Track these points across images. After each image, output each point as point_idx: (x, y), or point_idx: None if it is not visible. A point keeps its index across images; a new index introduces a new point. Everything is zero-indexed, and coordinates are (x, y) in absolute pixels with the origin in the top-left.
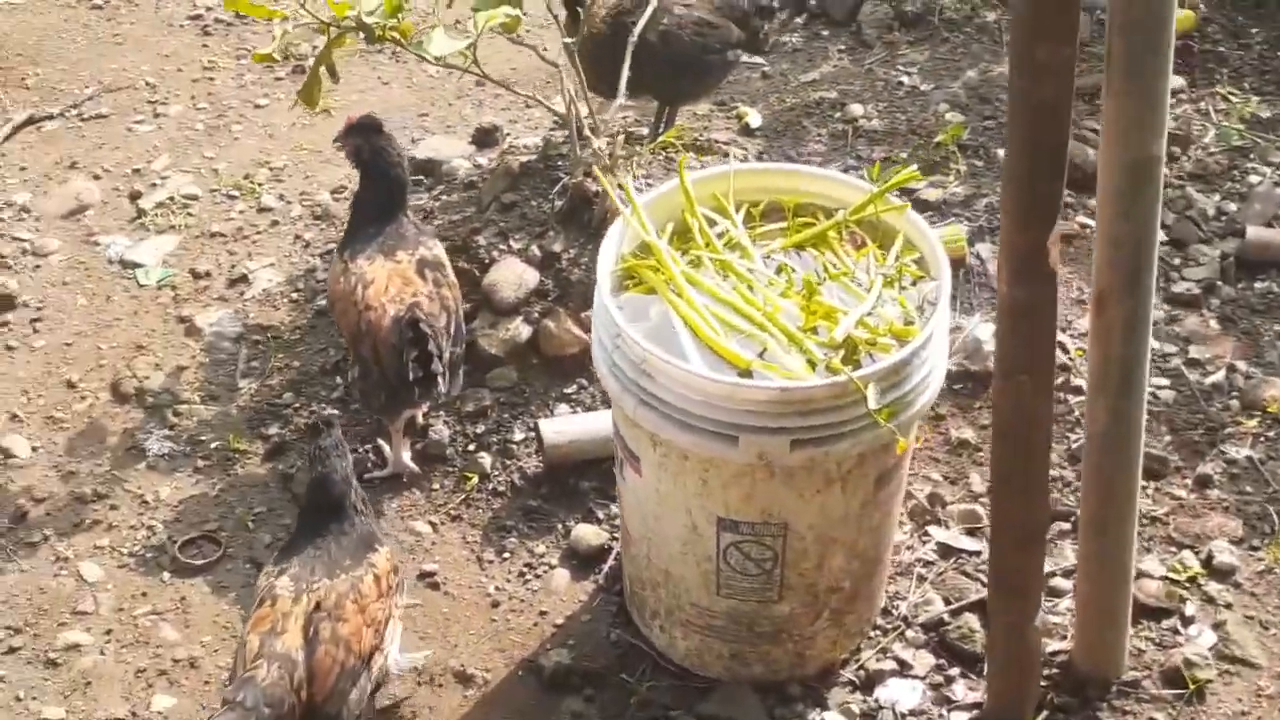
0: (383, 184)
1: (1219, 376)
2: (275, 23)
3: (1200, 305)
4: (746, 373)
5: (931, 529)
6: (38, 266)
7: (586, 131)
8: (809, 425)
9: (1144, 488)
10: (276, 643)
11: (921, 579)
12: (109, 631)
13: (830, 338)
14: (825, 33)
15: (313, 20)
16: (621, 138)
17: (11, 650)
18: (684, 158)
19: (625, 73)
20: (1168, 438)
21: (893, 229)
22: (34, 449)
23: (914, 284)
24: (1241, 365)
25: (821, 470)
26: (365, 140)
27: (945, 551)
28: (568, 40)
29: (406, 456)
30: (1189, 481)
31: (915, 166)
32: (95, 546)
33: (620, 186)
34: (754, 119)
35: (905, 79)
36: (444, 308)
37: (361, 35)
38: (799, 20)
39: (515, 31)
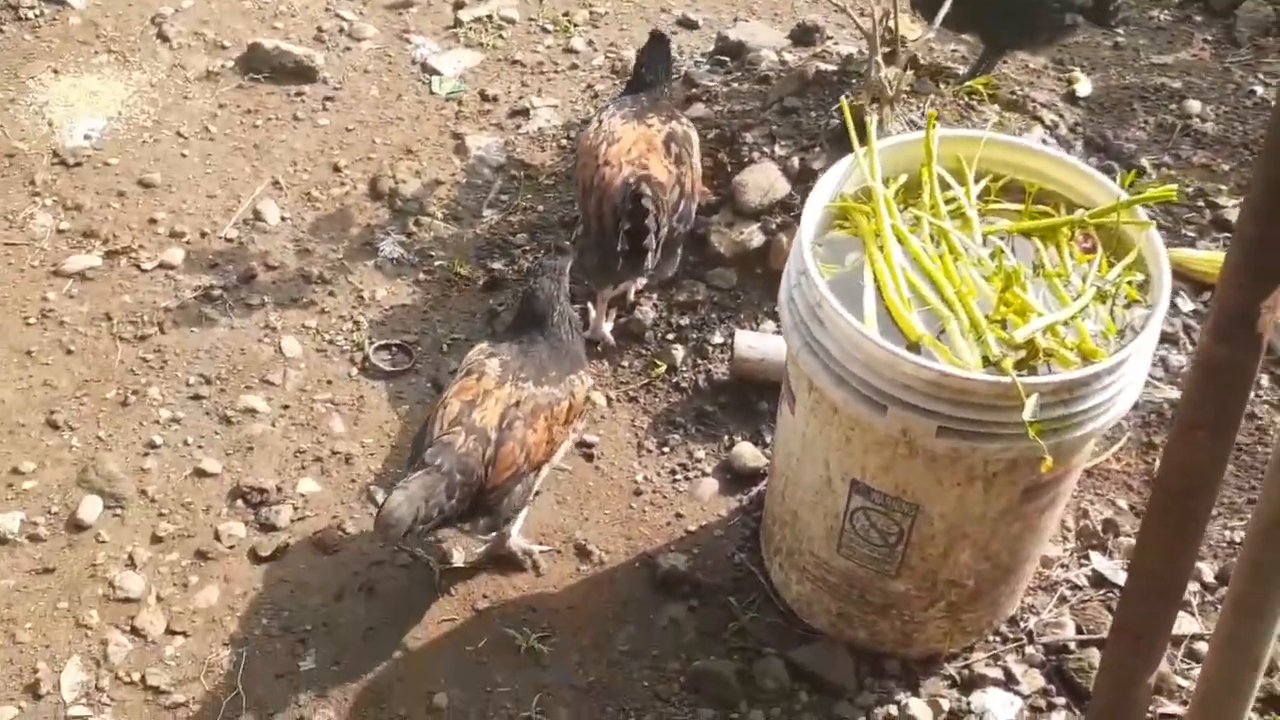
0: (656, 62)
1: None
2: None
3: None
4: (915, 346)
5: (1094, 554)
6: (348, 49)
7: (879, 56)
8: (961, 416)
9: None
10: (475, 415)
11: (1064, 600)
12: (286, 407)
13: (1011, 335)
14: (1199, 19)
15: None
16: (910, 74)
17: (196, 398)
18: (933, 114)
19: (947, 4)
20: None
21: (1131, 243)
22: (283, 218)
23: (1128, 306)
24: None
25: (965, 464)
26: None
27: (1098, 580)
28: None
29: (607, 327)
30: None
31: (1174, 185)
32: (303, 325)
33: (881, 123)
34: (1083, 87)
35: (1260, 89)
36: (678, 183)
37: None
38: None
39: None
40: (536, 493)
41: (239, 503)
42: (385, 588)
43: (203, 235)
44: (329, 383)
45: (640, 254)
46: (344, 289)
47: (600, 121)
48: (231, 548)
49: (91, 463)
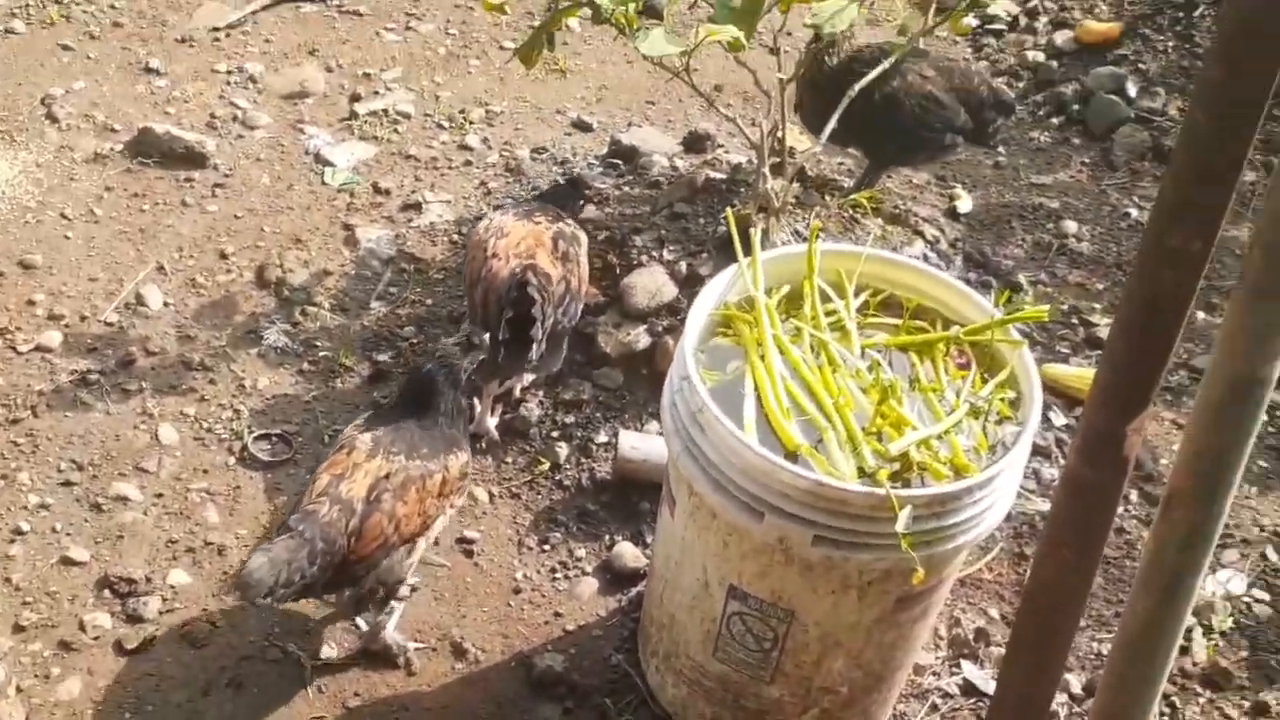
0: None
1: None
2: None
3: None
4: (793, 455)
5: (965, 663)
6: (240, 136)
7: (766, 168)
8: (836, 526)
9: (1197, 695)
10: (343, 487)
11: (935, 708)
12: (160, 496)
13: (887, 448)
14: (1077, 141)
15: None
16: (796, 186)
17: (67, 484)
18: (815, 225)
19: (833, 121)
20: (1244, 653)
21: (1005, 360)
22: (166, 304)
23: (1000, 422)
24: None
25: (840, 573)
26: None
27: (968, 689)
28: (781, 76)
29: (492, 422)
30: (1246, 704)
31: (1047, 306)
32: (182, 412)
33: (766, 233)
34: (964, 204)
35: (1134, 212)
36: (564, 279)
37: (590, 13)
38: (1054, 121)
39: (739, 51)
40: (414, 588)
41: (106, 593)
42: (254, 683)
43: (82, 318)
44: (205, 472)
45: (524, 345)
46: (225, 377)
47: (491, 219)
48: (96, 639)
49: None
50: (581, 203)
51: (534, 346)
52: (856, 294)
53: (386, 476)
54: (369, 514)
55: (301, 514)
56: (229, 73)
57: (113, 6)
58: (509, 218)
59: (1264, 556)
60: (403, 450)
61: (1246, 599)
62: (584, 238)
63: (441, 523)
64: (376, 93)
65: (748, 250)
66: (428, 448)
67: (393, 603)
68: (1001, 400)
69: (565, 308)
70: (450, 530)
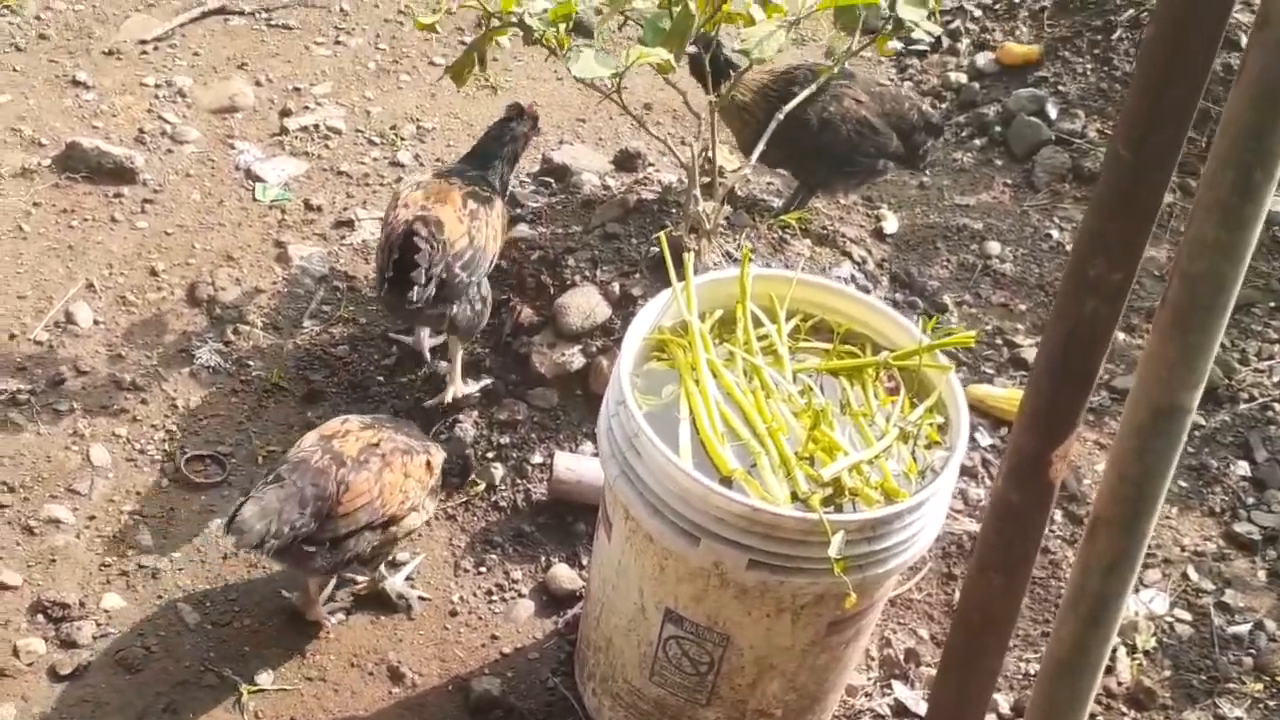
0: (488, 147)
1: (1243, 629)
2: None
3: (1255, 552)
4: (727, 480)
5: (896, 684)
6: (170, 151)
7: (697, 190)
8: (770, 550)
9: (1122, 715)
10: (334, 443)
11: None
12: (92, 518)
13: (819, 473)
14: (999, 162)
15: (478, 7)
16: (727, 208)
17: None
18: (747, 251)
19: (761, 144)
20: (1167, 673)
21: (933, 385)
22: (96, 322)
23: (929, 446)
24: (1271, 625)
25: (774, 596)
26: (511, 118)
27: (900, 710)
28: (712, 98)
29: (466, 388)
30: None
31: (974, 332)
32: (114, 433)
33: (698, 254)
34: (890, 224)
35: (1056, 233)
36: (468, 234)
37: (519, 33)
38: (977, 142)
39: (669, 73)
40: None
41: (39, 617)
42: (189, 709)
43: (11, 337)
44: (138, 493)
45: (406, 286)
46: (157, 397)
47: (415, 177)
48: (30, 665)
49: None
50: (511, 142)
51: (415, 289)
52: (788, 318)
53: (377, 444)
54: (359, 469)
55: (291, 464)
56: (157, 86)
57: (38, 18)
58: (427, 175)
59: (1185, 576)
60: (392, 427)
61: (1169, 618)
62: (499, 204)
63: (420, 518)
64: (307, 108)
65: (681, 274)
66: (414, 433)
67: (407, 555)
68: (930, 425)
69: (465, 262)
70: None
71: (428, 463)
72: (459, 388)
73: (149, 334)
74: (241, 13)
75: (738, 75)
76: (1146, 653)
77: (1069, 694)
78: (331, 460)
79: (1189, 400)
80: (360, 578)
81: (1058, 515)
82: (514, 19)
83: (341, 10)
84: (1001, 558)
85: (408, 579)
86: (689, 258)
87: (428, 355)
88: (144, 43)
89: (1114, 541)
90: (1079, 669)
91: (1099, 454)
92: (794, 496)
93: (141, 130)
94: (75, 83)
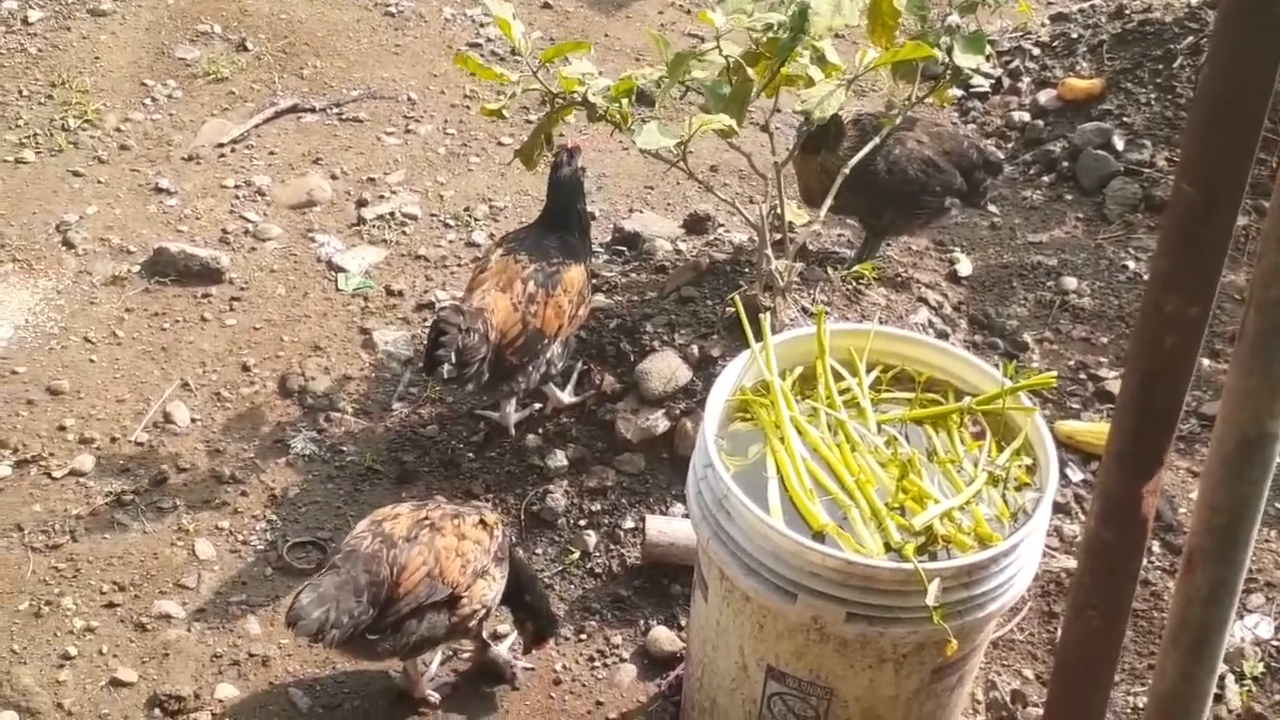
0: (554, 201)
1: None
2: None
3: None
4: (820, 535)
5: None
6: (253, 249)
7: (768, 249)
8: (868, 602)
9: None
10: (385, 526)
11: None
12: (201, 611)
13: (911, 522)
14: (1069, 197)
15: (541, 89)
16: (800, 264)
17: (111, 605)
18: (821, 310)
19: (831, 197)
20: (1278, 697)
21: (1018, 426)
22: (193, 420)
23: (1019, 489)
24: None
25: (875, 648)
26: (559, 164)
27: None
28: (776, 159)
29: (560, 397)
30: None
31: (1054, 372)
32: (216, 527)
33: (774, 311)
34: (964, 267)
35: (1131, 264)
36: (522, 322)
37: (584, 110)
38: (1046, 179)
39: (731, 138)
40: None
41: (156, 711)
42: None
43: (113, 440)
44: (244, 584)
45: (437, 363)
46: (256, 488)
47: (490, 253)
48: None
49: (6, 677)
50: (575, 187)
51: (444, 366)
52: (868, 370)
53: (425, 518)
54: (410, 546)
55: (344, 553)
56: (237, 187)
57: (118, 130)
58: (499, 252)
59: None
60: (436, 505)
61: (1275, 642)
62: (574, 270)
63: (487, 590)
64: (382, 196)
65: (758, 334)
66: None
67: (507, 627)
68: (1019, 467)
69: (519, 348)
70: (487, 627)
71: (481, 520)
72: (559, 399)
73: (244, 427)
74: (313, 110)
75: (799, 136)
76: (1255, 679)
77: None
78: (382, 544)
79: (1276, 427)
80: (465, 651)
81: (1155, 546)
82: (577, 98)
83: (409, 100)
84: (1098, 597)
85: (510, 649)
86: (765, 317)
87: (512, 430)
88: (221, 146)
89: (1211, 572)
90: (1185, 702)
91: (1191, 482)
92: (887, 547)
93: (225, 231)
94: (158, 189)
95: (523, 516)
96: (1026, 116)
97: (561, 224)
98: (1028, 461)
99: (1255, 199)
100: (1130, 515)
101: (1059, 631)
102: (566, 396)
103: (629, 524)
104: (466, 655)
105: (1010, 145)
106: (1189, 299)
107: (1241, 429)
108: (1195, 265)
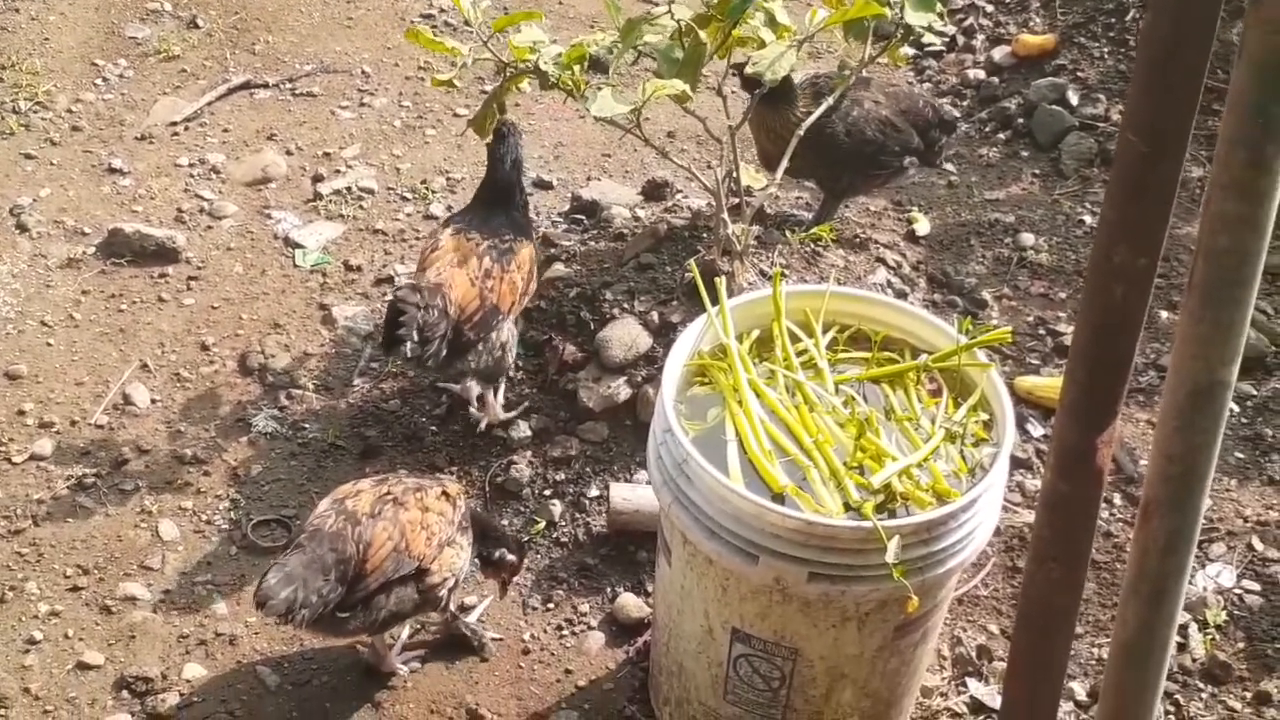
0: (496, 178)
1: None
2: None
3: None
4: (779, 497)
5: (970, 681)
6: (209, 227)
7: (725, 213)
8: (828, 562)
9: (1199, 690)
10: (348, 503)
11: None
12: (166, 592)
13: (869, 481)
14: (1025, 154)
15: (493, 58)
16: (758, 227)
17: (75, 589)
18: (778, 270)
19: (786, 159)
20: (1241, 645)
21: (974, 383)
22: (153, 401)
23: (977, 444)
24: None
25: (838, 606)
26: (499, 140)
27: (976, 707)
28: (730, 123)
29: (496, 413)
30: (1248, 695)
31: (1009, 328)
32: (179, 507)
33: (732, 276)
34: (922, 226)
35: (1088, 218)
36: (480, 297)
37: (536, 79)
38: (1001, 136)
39: (686, 103)
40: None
41: (124, 693)
42: None
43: (72, 423)
44: (209, 564)
45: (398, 342)
46: (219, 468)
47: (437, 231)
48: None
49: None
50: (517, 164)
51: (408, 345)
52: (824, 331)
53: (387, 493)
54: (375, 522)
55: (308, 533)
56: (191, 165)
57: (70, 111)
58: (448, 233)
59: (1250, 547)
60: (398, 477)
61: (1238, 591)
62: (526, 247)
63: (455, 559)
64: (338, 171)
65: (715, 299)
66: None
67: (475, 598)
68: (976, 423)
69: (476, 323)
70: (456, 596)
71: (443, 492)
72: (495, 414)
73: (205, 407)
74: (265, 85)
75: (754, 98)
76: (1218, 627)
77: (1139, 677)
78: (346, 521)
79: (1227, 375)
80: (432, 624)
81: (1116, 498)
82: (529, 66)
83: (363, 73)
84: (1058, 549)
85: (479, 620)
86: (722, 281)
87: (475, 402)
88: (174, 124)
89: (1168, 522)
90: (1147, 651)
91: (1151, 434)
92: (847, 507)
93: (180, 210)
94: (111, 170)
95: (487, 488)
96: (981, 74)
97: (505, 201)
98: (985, 417)
99: (1210, 149)
100: (1086, 466)
101: (1020, 588)
102: (503, 413)
103: (594, 492)
104: (435, 628)
105: (966, 103)
106: (1137, 249)
107: (1193, 378)
108: (1142, 215)
